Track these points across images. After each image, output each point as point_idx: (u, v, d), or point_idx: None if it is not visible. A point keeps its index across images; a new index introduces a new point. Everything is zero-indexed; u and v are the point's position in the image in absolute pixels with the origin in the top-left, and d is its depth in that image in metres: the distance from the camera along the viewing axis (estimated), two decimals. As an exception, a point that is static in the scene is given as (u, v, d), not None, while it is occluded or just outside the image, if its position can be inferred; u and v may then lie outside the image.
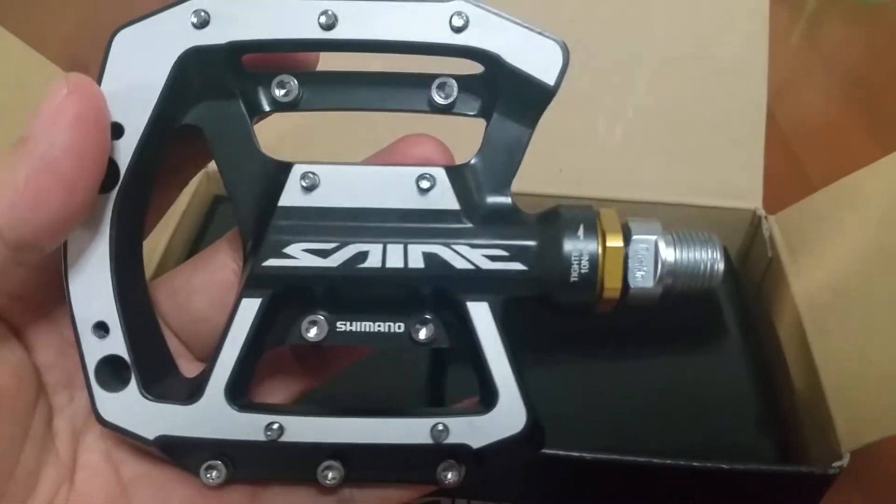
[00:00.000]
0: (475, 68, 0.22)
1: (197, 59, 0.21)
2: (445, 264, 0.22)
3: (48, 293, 0.22)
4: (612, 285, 0.22)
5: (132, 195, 0.21)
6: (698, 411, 0.36)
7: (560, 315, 0.23)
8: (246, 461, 0.22)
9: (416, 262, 0.21)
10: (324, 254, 0.22)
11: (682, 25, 0.44)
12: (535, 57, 0.21)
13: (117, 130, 0.21)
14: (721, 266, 0.23)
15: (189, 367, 0.24)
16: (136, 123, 0.21)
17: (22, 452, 0.21)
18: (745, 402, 0.37)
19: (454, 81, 0.22)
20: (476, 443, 0.22)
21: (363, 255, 0.21)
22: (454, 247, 0.22)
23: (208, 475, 0.22)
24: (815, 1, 0.74)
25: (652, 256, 0.22)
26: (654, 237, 0.22)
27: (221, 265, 0.24)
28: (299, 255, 0.22)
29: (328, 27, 0.21)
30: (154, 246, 0.41)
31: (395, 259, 0.21)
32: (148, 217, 0.23)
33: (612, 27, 0.44)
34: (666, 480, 0.31)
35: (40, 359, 0.22)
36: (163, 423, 0.22)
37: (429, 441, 0.22)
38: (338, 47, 0.21)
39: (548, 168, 0.43)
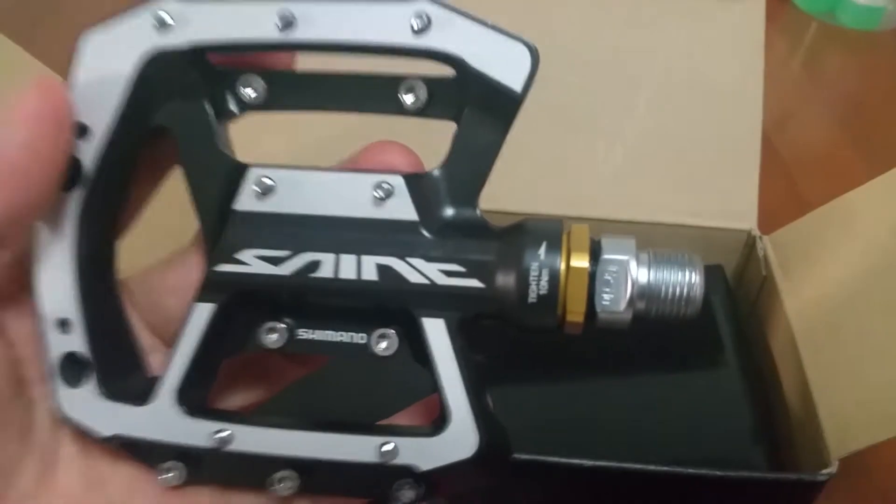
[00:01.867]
0: (450, 70, 0.21)
1: (160, 61, 0.21)
2: (400, 278, 0.21)
3: (25, 288, 0.22)
4: (574, 309, 0.20)
5: (100, 195, 0.21)
6: (695, 423, 0.37)
7: (526, 335, 0.21)
8: (199, 465, 0.22)
9: (370, 274, 0.21)
10: (275, 261, 0.21)
11: (680, 51, 0.45)
12: (501, 61, 0.20)
13: (83, 131, 0.21)
14: (699, 291, 0.20)
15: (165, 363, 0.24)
16: (101, 125, 0.21)
17: (2, 447, 0.21)
18: (739, 414, 0.38)
19: (423, 84, 0.21)
20: (424, 465, 0.21)
21: (315, 265, 0.21)
22: (409, 260, 0.21)
23: (166, 476, 0.22)
24: (813, 32, 0.76)
25: (622, 278, 0.20)
26: (625, 257, 0.20)
27: (195, 265, 0.23)
28: (251, 262, 0.21)
29: (285, 27, 0.20)
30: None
31: (348, 270, 0.21)
32: (124, 214, 0.23)
33: (611, 53, 0.45)
34: (659, 487, 0.32)
35: (19, 353, 0.22)
36: (118, 422, 0.22)
37: (375, 460, 0.21)
38: (295, 48, 0.21)
39: (548, 189, 0.44)
